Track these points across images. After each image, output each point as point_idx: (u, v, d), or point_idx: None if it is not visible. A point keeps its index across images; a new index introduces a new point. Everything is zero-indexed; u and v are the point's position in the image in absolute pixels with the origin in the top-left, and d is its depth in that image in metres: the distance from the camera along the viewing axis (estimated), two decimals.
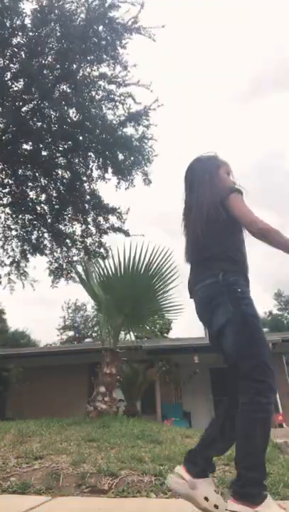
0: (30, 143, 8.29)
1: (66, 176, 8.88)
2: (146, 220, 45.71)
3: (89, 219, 9.09)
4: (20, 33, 7.22)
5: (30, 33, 7.20)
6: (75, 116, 8.06)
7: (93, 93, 8.19)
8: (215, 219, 1.63)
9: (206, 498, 1.36)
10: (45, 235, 9.32)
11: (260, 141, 55.03)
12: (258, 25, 45.94)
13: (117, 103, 8.23)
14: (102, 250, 9.01)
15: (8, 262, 9.31)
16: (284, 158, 53.27)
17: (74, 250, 9.32)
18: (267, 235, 1.51)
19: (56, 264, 9.28)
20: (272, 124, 56.24)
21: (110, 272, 5.43)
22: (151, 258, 5.21)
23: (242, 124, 55.52)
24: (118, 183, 8.65)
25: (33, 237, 9.24)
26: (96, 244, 9.12)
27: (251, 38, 49.38)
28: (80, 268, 8.46)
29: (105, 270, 5.50)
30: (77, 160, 8.65)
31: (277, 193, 52.68)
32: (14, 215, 9.19)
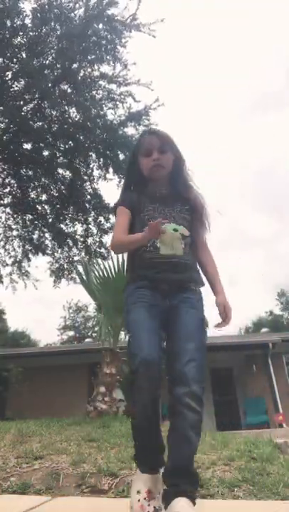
0: (31, 143, 8.29)
1: (67, 176, 8.89)
2: None
3: (90, 219, 9.10)
4: (20, 33, 7.23)
5: (31, 33, 7.21)
6: (75, 116, 8.07)
7: (94, 92, 8.19)
8: None
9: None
10: (46, 234, 9.34)
11: (260, 141, 55.03)
12: (260, 26, 46.00)
13: (117, 102, 8.23)
14: (102, 250, 9.01)
15: (9, 262, 9.34)
16: (284, 159, 53.25)
17: (75, 250, 9.33)
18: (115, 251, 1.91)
19: (57, 265, 9.28)
20: (273, 124, 56.24)
21: (110, 272, 5.41)
22: None
23: (242, 123, 55.58)
24: (119, 181, 8.65)
25: (35, 237, 9.25)
26: (97, 244, 9.13)
27: (251, 38, 49.45)
28: (80, 268, 8.45)
29: (106, 270, 5.49)
30: (78, 160, 8.65)
31: (277, 196, 52.70)
32: (15, 215, 9.19)
